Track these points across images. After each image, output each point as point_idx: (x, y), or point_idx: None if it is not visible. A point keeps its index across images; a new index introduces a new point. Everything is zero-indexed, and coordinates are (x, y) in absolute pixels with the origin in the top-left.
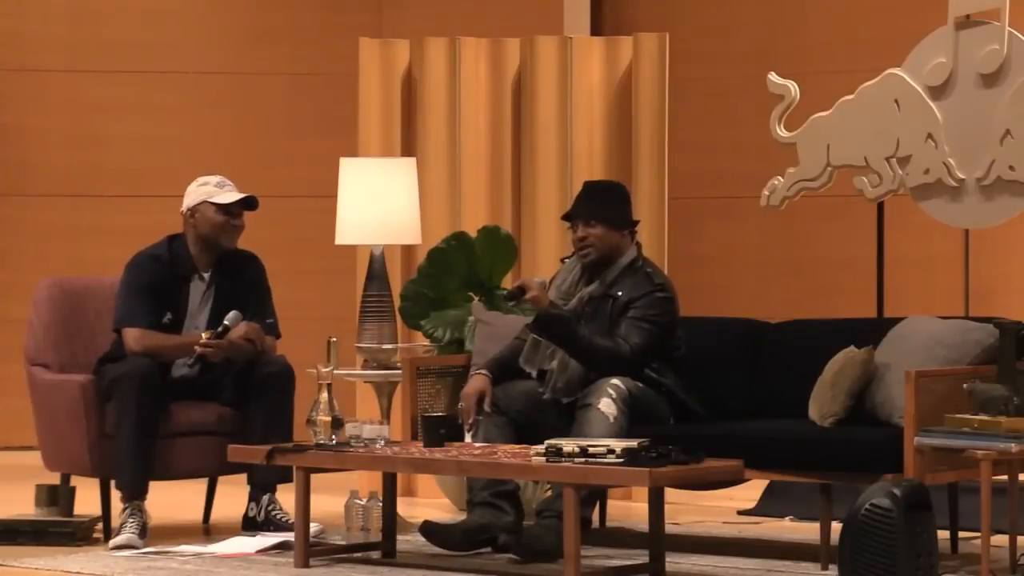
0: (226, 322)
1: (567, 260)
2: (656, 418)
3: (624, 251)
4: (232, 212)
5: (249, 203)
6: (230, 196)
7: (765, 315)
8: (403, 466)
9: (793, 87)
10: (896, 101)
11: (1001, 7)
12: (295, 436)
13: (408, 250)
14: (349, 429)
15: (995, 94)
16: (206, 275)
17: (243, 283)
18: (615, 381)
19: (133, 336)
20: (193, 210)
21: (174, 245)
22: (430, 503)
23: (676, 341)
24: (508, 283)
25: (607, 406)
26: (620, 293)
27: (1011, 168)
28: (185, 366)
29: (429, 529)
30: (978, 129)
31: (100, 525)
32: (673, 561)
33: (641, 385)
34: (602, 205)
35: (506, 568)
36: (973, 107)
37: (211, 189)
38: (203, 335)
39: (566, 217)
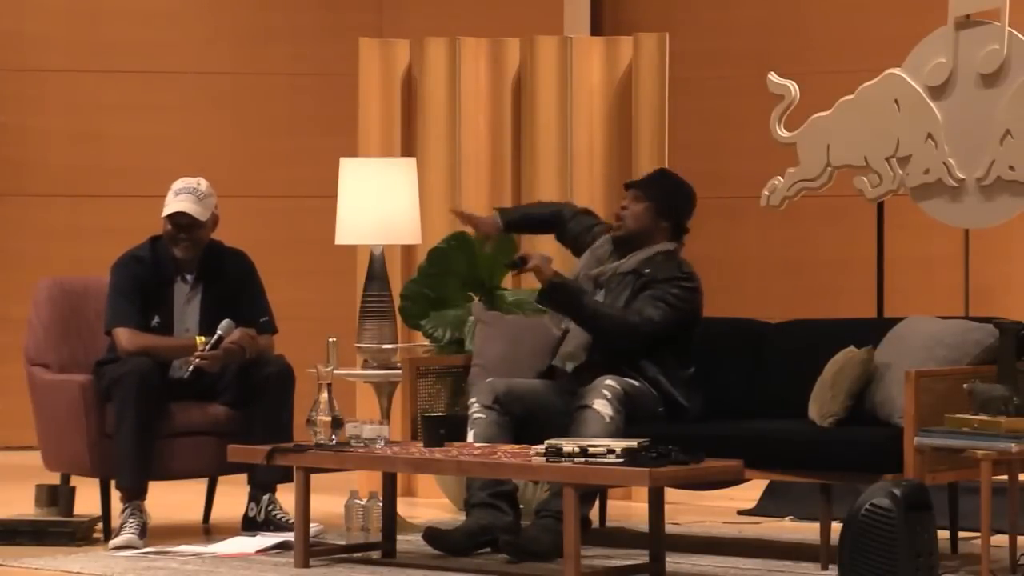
0: (220, 332)
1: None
2: (652, 415)
3: (658, 240)
4: (177, 223)
5: (175, 216)
6: (170, 207)
7: (765, 315)
8: (403, 466)
9: (793, 87)
10: (896, 101)
11: (1001, 7)
12: (295, 436)
13: (408, 250)
14: (349, 429)
15: (995, 94)
16: (189, 276)
17: (232, 282)
18: (609, 381)
19: (125, 336)
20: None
21: (156, 246)
22: (430, 503)
23: (690, 341)
24: (508, 283)
25: (603, 407)
26: (648, 271)
27: (1011, 168)
28: (182, 372)
29: (433, 535)
30: (978, 129)
31: (100, 525)
32: (673, 561)
33: (636, 383)
34: (662, 189)
35: (506, 568)
36: (973, 107)
37: (169, 196)
38: (198, 339)
39: (627, 184)
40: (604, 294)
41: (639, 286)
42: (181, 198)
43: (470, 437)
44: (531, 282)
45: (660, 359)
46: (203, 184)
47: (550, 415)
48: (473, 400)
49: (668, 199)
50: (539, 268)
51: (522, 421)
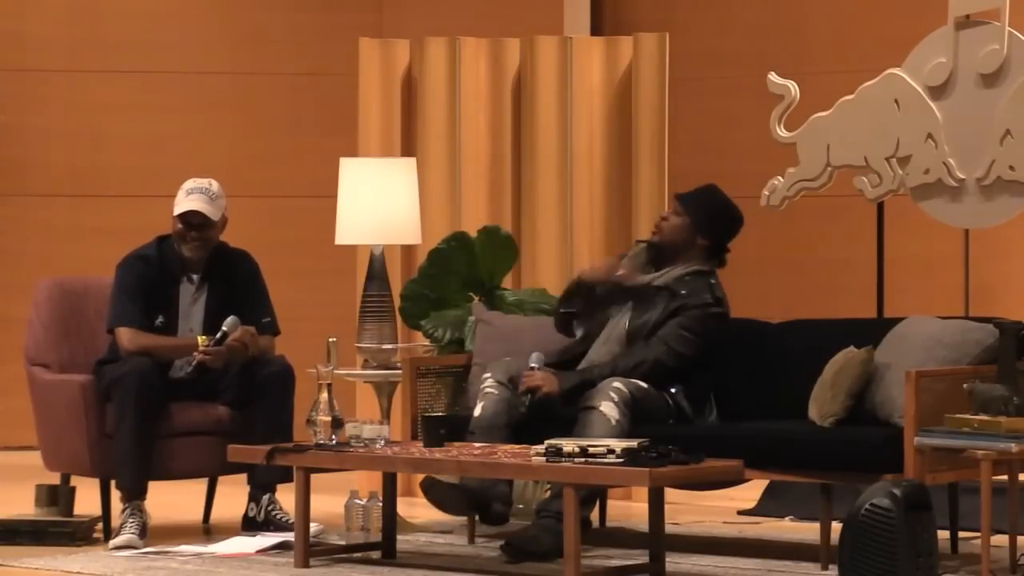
0: (224, 328)
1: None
2: (659, 418)
3: (691, 258)
4: (189, 222)
5: (187, 215)
6: (183, 206)
7: (765, 315)
8: (403, 466)
9: (793, 87)
10: (896, 101)
11: (1001, 7)
12: (295, 436)
13: (408, 250)
14: (349, 429)
15: (995, 94)
16: (195, 277)
17: (237, 283)
18: (617, 384)
19: (127, 336)
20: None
21: (163, 246)
22: (429, 503)
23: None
24: (508, 283)
25: (609, 409)
26: (684, 292)
27: (1011, 168)
28: (183, 372)
29: (430, 484)
30: (978, 129)
31: (100, 525)
32: (673, 561)
33: (644, 385)
34: (704, 208)
35: (506, 568)
36: (973, 107)
37: (180, 196)
38: (200, 339)
39: (675, 194)
40: (632, 307)
41: (672, 309)
42: (193, 197)
43: (477, 410)
44: (531, 282)
45: (681, 374)
46: (214, 185)
47: (557, 404)
48: (487, 375)
49: (709, 219)
50: (549, 394)
51: (529, 406)
